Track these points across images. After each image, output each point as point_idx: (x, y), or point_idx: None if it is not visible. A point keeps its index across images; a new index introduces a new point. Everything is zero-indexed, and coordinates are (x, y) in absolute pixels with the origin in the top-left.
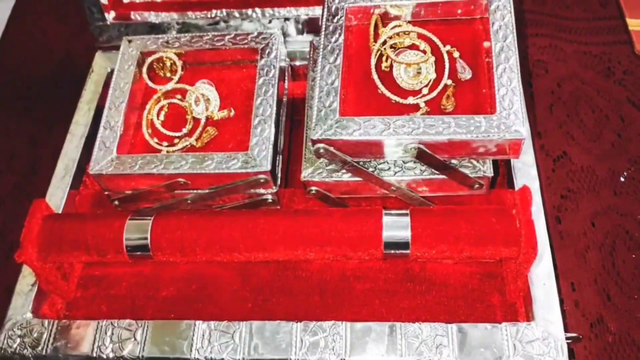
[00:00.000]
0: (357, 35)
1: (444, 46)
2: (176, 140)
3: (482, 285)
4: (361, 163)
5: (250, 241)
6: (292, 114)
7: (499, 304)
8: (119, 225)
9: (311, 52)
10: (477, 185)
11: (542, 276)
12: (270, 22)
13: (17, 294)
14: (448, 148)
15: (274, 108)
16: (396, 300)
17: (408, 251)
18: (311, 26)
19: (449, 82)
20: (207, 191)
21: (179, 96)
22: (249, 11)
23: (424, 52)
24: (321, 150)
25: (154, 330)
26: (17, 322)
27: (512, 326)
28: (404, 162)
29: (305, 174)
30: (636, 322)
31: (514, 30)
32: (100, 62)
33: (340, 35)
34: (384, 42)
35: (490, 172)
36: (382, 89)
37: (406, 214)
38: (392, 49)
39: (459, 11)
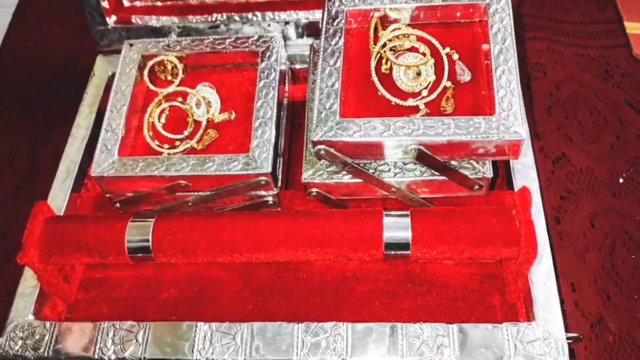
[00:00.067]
0: (357, 38)
1: (444, 49)
2: (177, 143)
3: (482, 286)
4: (361, 164)
5: (251, 242)
6: (293, 117)
7: (499, 305)
8: (120, 227)
9: (311, 55)
10: (476, 187)
11: (542, 276)
12: (270, 25)
13: (19, 296)
14: (448, 149)
15: (275, 110)
16: (396, 302)
17: (408, 252)
18: (311, 30)
19: (449, 84)
20: (208, 193)
21: (180, 99)
22: (250, 15)
23: (424, 54)
24: (322, 152)
25: (156, 332)
26: (19, 324)
27: (513, 326)
28: (404, 163)
29: (306, 175)
30: (636, 322)
31: (513, 33)
32: (101, 66)
33: (340, 38)
34: (384, 45)
35: (489, 174)
36: (382, 91)
37: (406, 215)
38: (392, 52)
39: (458, 14)
